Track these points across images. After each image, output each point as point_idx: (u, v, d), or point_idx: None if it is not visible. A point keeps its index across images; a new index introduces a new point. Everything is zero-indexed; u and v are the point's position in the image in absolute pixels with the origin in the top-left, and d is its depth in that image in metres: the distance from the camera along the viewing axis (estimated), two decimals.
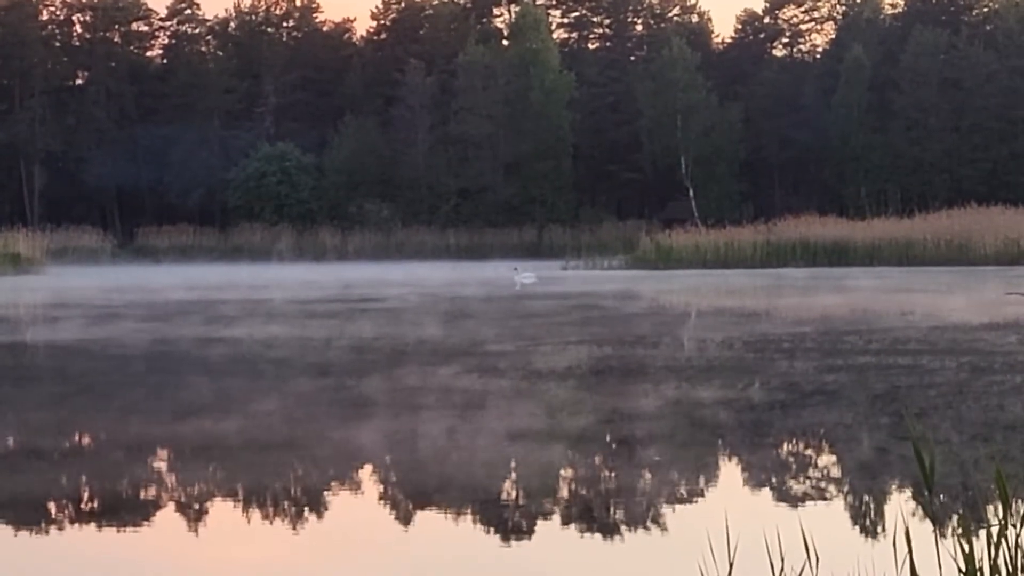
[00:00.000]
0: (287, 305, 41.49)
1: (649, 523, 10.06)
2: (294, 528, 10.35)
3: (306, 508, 11.01)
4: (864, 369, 19.75)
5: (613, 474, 12.13)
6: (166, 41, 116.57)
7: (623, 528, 9.92)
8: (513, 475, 12.31)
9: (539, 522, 10.21)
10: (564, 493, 11.50)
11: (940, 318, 31.00)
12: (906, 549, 5.08)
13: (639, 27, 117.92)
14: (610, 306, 40.46)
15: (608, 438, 14.03)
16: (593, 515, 10.43)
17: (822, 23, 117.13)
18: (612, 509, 10.60)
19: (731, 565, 5.54)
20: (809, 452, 13.41)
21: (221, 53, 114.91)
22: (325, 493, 11.59)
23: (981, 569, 4.98)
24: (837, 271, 63.56)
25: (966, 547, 4.98)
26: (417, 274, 66.63)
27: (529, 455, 13.11)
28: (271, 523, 10.52)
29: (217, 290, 52.70)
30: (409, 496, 11.37)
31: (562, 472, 12.40)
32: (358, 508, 11.10)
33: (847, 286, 49.00)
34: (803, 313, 35.30)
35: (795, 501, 10.70)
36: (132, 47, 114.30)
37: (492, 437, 13.97)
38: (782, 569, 5.43)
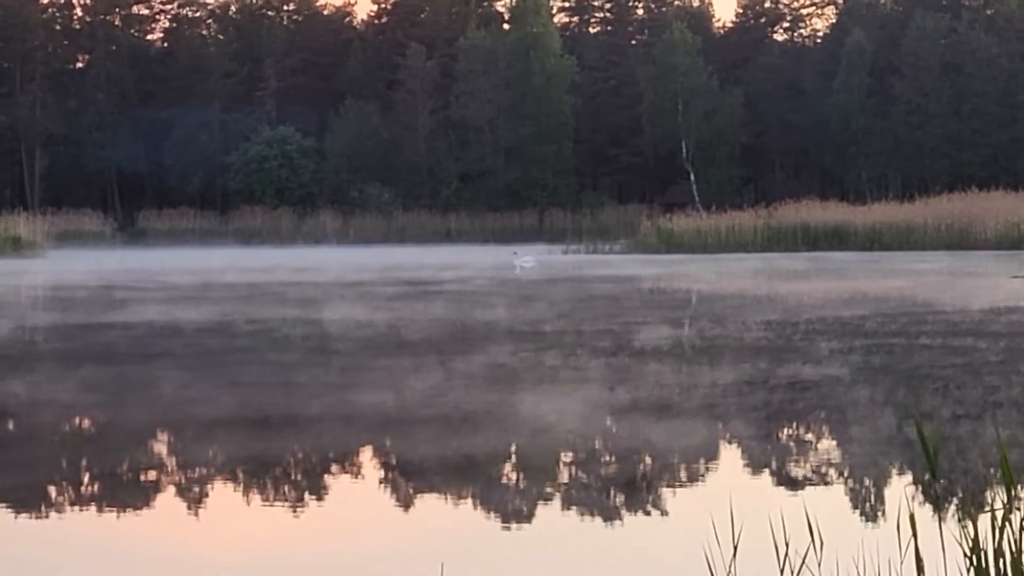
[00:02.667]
0: (351, 288, 41.39)
1: (651, 507, 10.09)
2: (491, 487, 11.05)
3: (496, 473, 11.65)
4: (925, 350, 20.13)
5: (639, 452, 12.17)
6: (167, 24, 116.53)
7: (624, 513, 9.95)
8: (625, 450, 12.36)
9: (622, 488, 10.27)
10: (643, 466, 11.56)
11: (995, 301, 31.48)
12: (910, 532, 5.11)
13: (640, 11, 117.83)
14: (672, 288, 40.72)
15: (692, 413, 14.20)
16: (591, 498, 10.46)
17: (823, 7, 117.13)
18: (614, 492, 10.63)
19: (735, 549, 5.57)
20: (830, 435, 13.43)
21: (222, 36, 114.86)
22: (516, 461, 12.14)
23: (985, 552, 5.01)
24: (882, 255, 63.43)
25: (971, 531, 5.01)
26: (458, 257, 66.51)
27: (677, 427, 13.59)
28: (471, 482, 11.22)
29: (266, 272, 52.71)
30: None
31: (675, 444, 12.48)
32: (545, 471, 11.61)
33: (900, 270, 49.14)
34: (865, 295, 35.73)
35: (798, 485, 10.73)
36: (133, 30, 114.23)
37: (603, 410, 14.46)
38: (787, 553, 5.46)
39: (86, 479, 11.65)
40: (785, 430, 13.75)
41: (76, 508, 10.48)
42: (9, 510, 10.25)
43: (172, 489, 11.06)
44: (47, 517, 10.15)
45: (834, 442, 13.09)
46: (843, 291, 38.17)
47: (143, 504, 10.53)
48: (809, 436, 13.44)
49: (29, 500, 10.65)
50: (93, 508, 10.50)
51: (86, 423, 14.89)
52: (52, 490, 11.14)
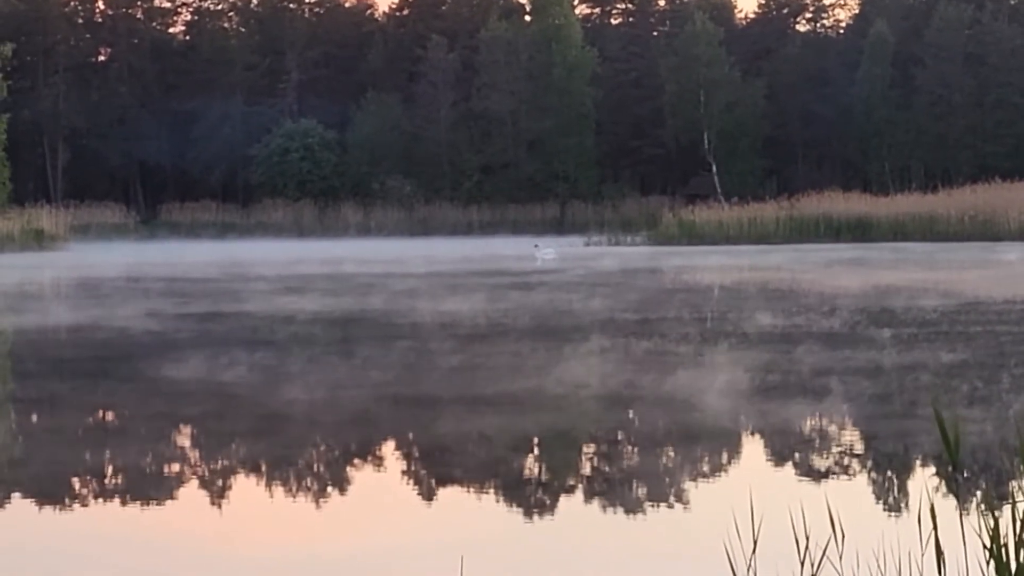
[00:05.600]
0: (442, 279, 41.42)
1: (673, 500, 10.08)
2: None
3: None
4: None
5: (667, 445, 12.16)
6: (188, 17, 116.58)
7: (639, 508, 9.94)
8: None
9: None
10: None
11: None
12: (931, 525, 5.08)
13: (662, 2, 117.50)
14: (758, 280, 40.97)
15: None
16: (614, 488, 10.45)
17: None
18: (634, 485, 10.61)
19: (755, 543, 5.56)
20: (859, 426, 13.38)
21: (243, 29, 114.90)
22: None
23: (1006, 545, 4.98)
24: (956, 245, 63.24)
25: (991, 522, 4.98)
26: (524, 248, 66.13)
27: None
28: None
29: (335, 264, 52.55)
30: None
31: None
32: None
33: (994, 260, 49.12)
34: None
35: (819, 477, 10.70)
36: (155, 23, 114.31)
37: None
38: (807, 546, 5.44)
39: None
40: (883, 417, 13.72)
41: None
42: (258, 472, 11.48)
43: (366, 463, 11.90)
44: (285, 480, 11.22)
45: None
46: (934, 281, 38.00)
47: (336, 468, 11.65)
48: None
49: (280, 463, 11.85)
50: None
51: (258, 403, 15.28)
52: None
